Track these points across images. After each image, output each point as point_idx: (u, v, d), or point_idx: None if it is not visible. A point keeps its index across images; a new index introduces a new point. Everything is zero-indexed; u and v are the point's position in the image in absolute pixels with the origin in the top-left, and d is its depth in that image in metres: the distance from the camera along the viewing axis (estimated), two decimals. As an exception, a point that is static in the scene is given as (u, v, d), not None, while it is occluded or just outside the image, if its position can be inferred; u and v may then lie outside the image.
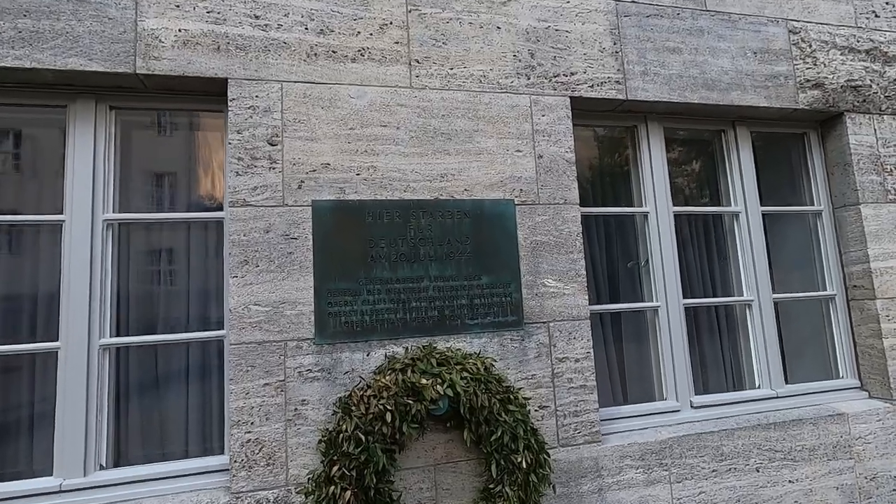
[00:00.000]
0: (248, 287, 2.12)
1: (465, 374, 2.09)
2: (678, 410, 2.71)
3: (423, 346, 2.22)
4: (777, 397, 2.87)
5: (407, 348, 2.22)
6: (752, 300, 2.97)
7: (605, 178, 3.10)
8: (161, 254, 2.43)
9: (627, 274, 3.03)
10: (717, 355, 3.11)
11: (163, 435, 2.31)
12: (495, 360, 2.23)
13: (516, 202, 2.47)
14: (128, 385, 2.33)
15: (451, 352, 2.19)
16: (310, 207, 2.22)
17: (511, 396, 2.15)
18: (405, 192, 2.34)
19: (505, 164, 2.48)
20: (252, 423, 2.05)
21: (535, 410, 2.33)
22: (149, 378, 2.35)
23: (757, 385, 2.94)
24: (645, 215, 2.88)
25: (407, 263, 2.28)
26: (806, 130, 3.24)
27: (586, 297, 2.48)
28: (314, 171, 2.25)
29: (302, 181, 2.23)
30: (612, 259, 3.05)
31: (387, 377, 2.05)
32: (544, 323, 2.41)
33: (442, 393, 2.01)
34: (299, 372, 2.12)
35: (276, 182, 2.21)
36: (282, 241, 2.17)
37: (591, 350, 2.45)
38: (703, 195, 3.30)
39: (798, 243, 3.28)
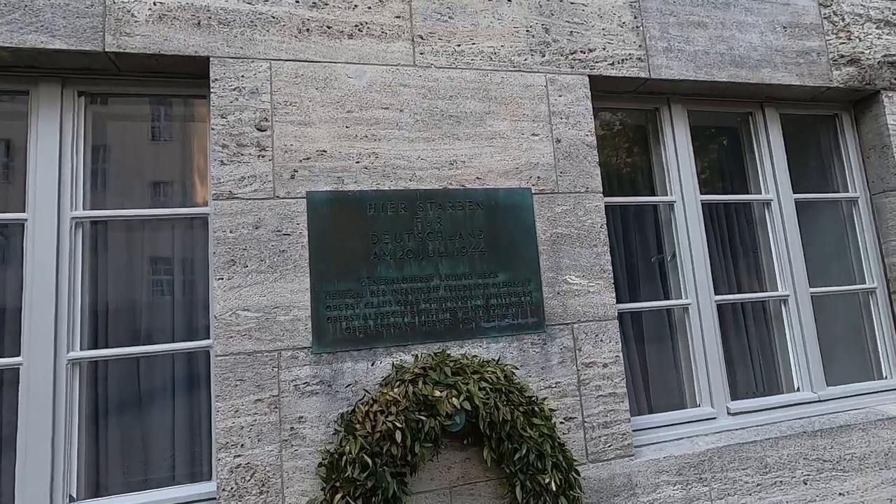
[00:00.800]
0: (235, 290, 1.87)
1: (484, 383, 1.84)
2: (714, 418, 2.46)
3: (435, 354, 1.97)
4: (819, 401, 2.63)
5: (417, 356, 1.97)
6: (788, 295, 2.73)
7: (623, 166, 2.86)
8: (141, 256, 2.18)
9: (649, 269, 2.79)
10: (747, 356, 2.87)
11: (143, 460, 2.05)
12: (516, 368, 1.98)
13: (533, 191, 2.22)
14: (106, 404, 2.08)
15: (467, 359, 1.95)
16: (304, 200, 1.98)
17: (535, 408, 1.90)
18: (410, 181, 2.10)
19: (520, 150, 2.24)
20: (242, 446, 1.80)
21: (561, 423, 2.08)
22: (127, 396, 2.10)
23: (796, 388, 2.69)
24: (671, 205, 2.64)
25: (414, 260, 2.04)
26: (838, 112, 3.01)
27: (613, 294, 2.24)
28: (308, 158, 2.01)
29: (295, 170, 1.99)
30: (632, 253, 2.82)
31: (395, 390, 1.80)
32: (568, 324, 2.17)
33: (458, 406, 1.76)
34: (295, 385, 1.87)
35: (265, 172, 1.96)
36: (273, 238, 1.93)
37: (620, 353, 2.21)
38: (726, 184, 3.07)
39: (831, 233, 3.05)
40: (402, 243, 2.03)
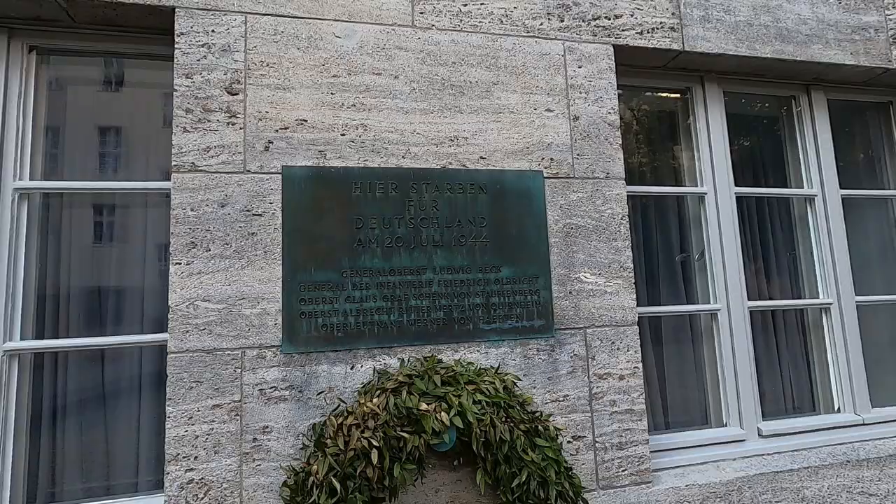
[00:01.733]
0: (195, 278, 1.61)
1: (480, 396, 1.57)
2: (743, 440, 2.16)
3: (425, 359, 1.70)
4: (863, 424, 2.31)
5: (403, 360, 1.70)
6: (831, 303, 2.41)
7: (645, 154, 2.56)
8: (96, 234, 1.93)
9: (670, 269, 2.49)
10: (777, 370, 2.56)
11: (88, 466, 1.81)
12: (518, 378, 1.70)
13: (545, 174, 1.94)
14: (53, 403, 1.84)
15: (461, 366, 1.67)
16: (279, 176, 1.71)
17: (540, 426, 1.62)
18: (404, 158, 1.82)
19: (532, 127, 1.95)
20: (196, 458, 1.54)
21: (568, 442, 1.80)
22: (78, 394, 1.85)
23: (836, 408, 2.38)
24: (701, 197, 2.33)
25: (405, 250, 1.76)
26: (892, 98, 2.67)
27: (633, 296, 1.95)
28: (286, 128, 1.74)
29: (270, 141, 1.72)
30: (652, 251, 2.51)
31: (374, 400, 1.53)
32: (580, 329, 1.88)
33: (448, 423, 1.49)
34: (261, 390, 1.61)
35: (235, 141, 1.70)
36: (242, 219, 1.67)
37: (639, 365, 1.92)
38: (759, 178, 2.74)
39: (876, 235, 2.72)
40: (391, 229, 1.76)
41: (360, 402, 1.54)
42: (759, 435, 2.19)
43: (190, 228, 1.63)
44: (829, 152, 2.50)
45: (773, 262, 2.60)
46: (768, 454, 2.14)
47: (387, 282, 1.73)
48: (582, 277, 1.91)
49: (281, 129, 1.73)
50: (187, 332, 1.58)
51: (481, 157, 1.89)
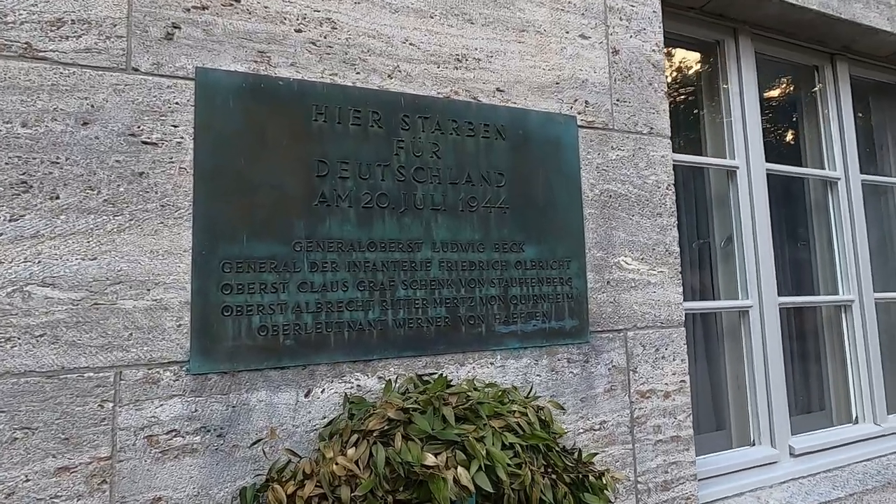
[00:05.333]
0: (26, 245, 0.91)
1: (510, 437, 1.03)
2: (775, 462, 1.82)
3: (421, 379, 1.13)
4: (882, 436, 2.07)
5: (390, 381, 1.12)
6: (853, 300, 2.15)
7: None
8: None
9: (686, 256, 2.10)
10: (791, 374, 2.28)
11: None
12: (561, 407, 1.18)
13: (579, 122, 1.43)
14: None
15: (476, 389, 1.12)
16: (191, 83, 1.05)
17: (588, 476, 1.11)
18: (391, 77, 1.22)
19: (563, 56, 1.43)
20: (20, 565, 0.86)
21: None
22: None
23: (854, 418, 2.13)
24: (732, 171, 1.95)
25: (392, 214, 1.17)
26: (906, 80, 2.47)
27: (680, 288, 1.51)
28: (204, 7, 1.07)
29: (175, 25, 1.05)
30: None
31: (350, 451, 0.94)
32: (619, 332, 1.40)
33: (472, 488, 0.93)
34: (150, 437, 0.95)
35: (112, 16, 1.00)
36: (121, 148, 0.99)
37: (687, 377, 1.48)
38: (772, 156, 2.44)
39: (887, 226, 2.52)
40: (371, 182, 1.16)
41: (323, 455, 0.94)
42: (790, 454, 1.85)
43: (19, 158, 0.92)
44: (852, 131, 2.23)
45: (789, 254, 2.30)
46: (805, 477, 1.81)
47: (363, 261, 1.13)
48: (622, 263, 1.43)
49: (196, 6, 1.06)
50: (9, 340, 0.89)
51: (498, 90, 1.33)
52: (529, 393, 1.18)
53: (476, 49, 1.32)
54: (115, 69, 0.99)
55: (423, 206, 1.20)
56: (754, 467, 1.77)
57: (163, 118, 1.02)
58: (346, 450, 0.94)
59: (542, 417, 1.12)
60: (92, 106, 0.97)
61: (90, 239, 0.95)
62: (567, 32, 1.44)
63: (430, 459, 0.94)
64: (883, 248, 2.44)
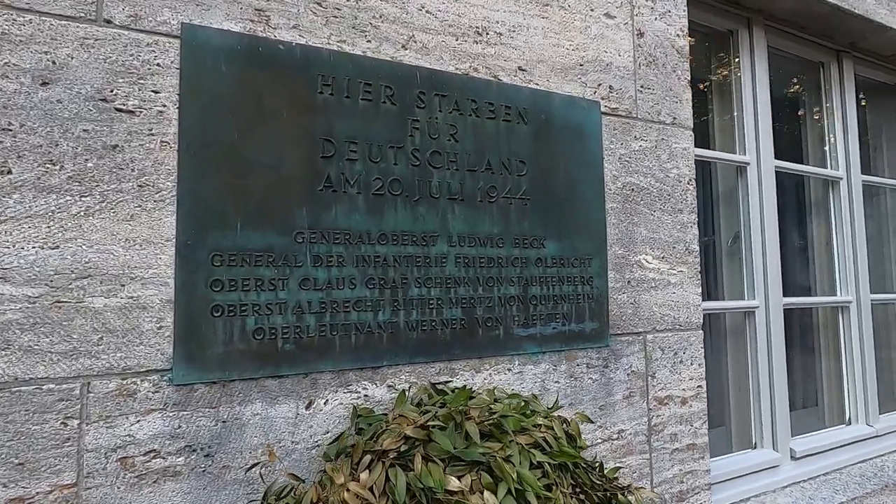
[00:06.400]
0: (-30, 227, 0.75)
1: (538, 454, 0.92)
2: (776, 465, 1.78)
3: (436, 388, 1.02)
4: (877, 436, 2.07)
5: (404, 392, 0.99)
6: (850, 301, 2.14)
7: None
8: None
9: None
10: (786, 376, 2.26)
11: None
12: (589, 420, 1.08)
13: (602, 108, 1.32)
14: None
15: (500, 402, 1.01)
16: (176, 41, 0.89)
17: (617, 495, 1.02)
18: (405, 49, 1.08)
19: (587, 36, 1.31)
20: None
21: (623, 498, 1.24)
22: None
23: (847, 419, 2.13)
24: (743, 167, 1.89)
25: (404, 202, 1.04)
26: (905, 82, 2.47)
27: (699, 289, 1.43)
28: (192, -48, 0.91)
29: (157, -29, 0.88)
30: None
31: (363, 476, 0.81)
32: (639, 335, 1.32)
33: (502, 515, 0.82)
34: (124, 460, 0.81)
35: (79, -45, 0.83)
36: (90, 115, 0.82)
37: (704, 382, 1.41)
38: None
39: (884, 227, 2.52)
40: (382, 165, 1.03)
41: (332, 479, 0.82)
42: (791, 457, 1.83)
43: (-39, 121, 0.75)
44: (855, 130, 2.21)
45: (792, 253, 2.27)
46: (805, 481, 1.79)
47: (373, 255, 1.00)
48: (643, 261, 1.34)
49: (182, -49, 0.90)
50: (-53, 344, 0.72)
51: (520, 68, 1.21)
52: (555, 403, 1.08)
53: (497, 22, 1.19)
54: (82, 19, 0.83)
55: (440, 194, 1.08)
56: (757, 472, 1.74)
57: (141, 81, 0.86)
58: (357, 473, 0.82)
59: (569, 431, 1.03)
60: (53, 63, 0.80)
61: (51, 224, 0.79)
62: (592, 10, 1.33)
63: (454, 483, 0.83)
64: (877, 250, 2.44)
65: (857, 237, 2.15)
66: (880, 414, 2.15)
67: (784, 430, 1.82)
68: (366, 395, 0.99)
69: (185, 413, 0.85)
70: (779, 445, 1.81)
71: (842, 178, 2.17)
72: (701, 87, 2.05)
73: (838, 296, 2.15)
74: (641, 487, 1.02)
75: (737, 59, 1.93)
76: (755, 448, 1.82)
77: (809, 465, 1.84)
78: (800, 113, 2.32)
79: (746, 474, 1.71)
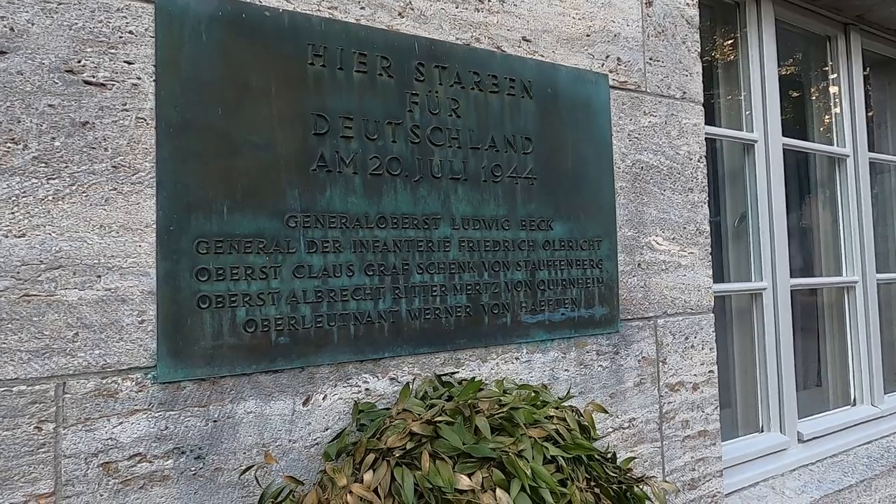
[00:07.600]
0: (-77, 214, 0.67)
1: (552, 448, 0.87)
2: (784, 449, 1.76)
3: (442, 380, 0.96)
4: (882, 416, 2.06)
5: (408, 385, 0.93)
6: (857, 281, 2.10)
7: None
8: None
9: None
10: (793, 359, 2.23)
11: None
12: (604, 410, 1.02)
13: (611, 81, 1.25)
14: None
15: (508, 393, 0.95)
16: (150, 6, 0.80)
17: (632, 487, 0.97)
18: (402, 17, 1.00)
19: (593, 4, 1.24)
20: None
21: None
22: None
23: (852, 400, 2.10)
24: (750, 145, 1.83)
25: (404, 183, 0.97)
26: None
27: (710, 271, 1.38)
28: None
29: (126, -73, 0.79)
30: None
31: (366, 477, 0.76)
32: (649, 320, 1.27)
33: (516, 514, 0.77)
34: (106, 465, 0.74)
35: None
36: (56, 89, 0.74)
37: (715, 367, 1.37)
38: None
39: (888, 206, 2.48)
40: (379, 143, 0.95)
41: (333, 480, 0.76)
42: (798, 440, 1.80)
43: None
44: (862, 107, 2.15)
45: (798, 233, 2.23)
46: (813, 464, 1.77)
47: (372, 239, 0.93)
48: (653, 243, 1.28)
49: None
50: None
51: (525, 39, 1.13)
52: (567, 393, 1.02)
53: (500, -12, 1.11)
54: (43, -19, 0.74)
55: (441, 174, 1.01)
56: (766, 455, 1.71)
57: (112, 51, 0.78)
58: (361, 474, 0.76)
59: (582, 422, 0.97)
60: (11, 29, 0.72)
61: (15, 209, 0.71)
62: (599, -24, 1.25)
63: (464, 482, 0.77)
64: (882, 228, 2.40)
65: (864, 216, 2.11)
66: (885, 394, 2.13)
67: (791, 413, 1.79)
68: (367, 389, 0.93)
69: (173, 413, 0.78)
70: (786, 428, 1.78)
71: (848, 156, 2.12)
72: (706, 62, 1.97)
73: (844, 276, 2.12)
74: (654, 477, 0.97)
75: (744, 31, 1.85)
76: (762, 431, 1.79)
77: (817, 448, 1.82)
78: (807, 89, 2.26)
79: (755, 458, 1.68)
